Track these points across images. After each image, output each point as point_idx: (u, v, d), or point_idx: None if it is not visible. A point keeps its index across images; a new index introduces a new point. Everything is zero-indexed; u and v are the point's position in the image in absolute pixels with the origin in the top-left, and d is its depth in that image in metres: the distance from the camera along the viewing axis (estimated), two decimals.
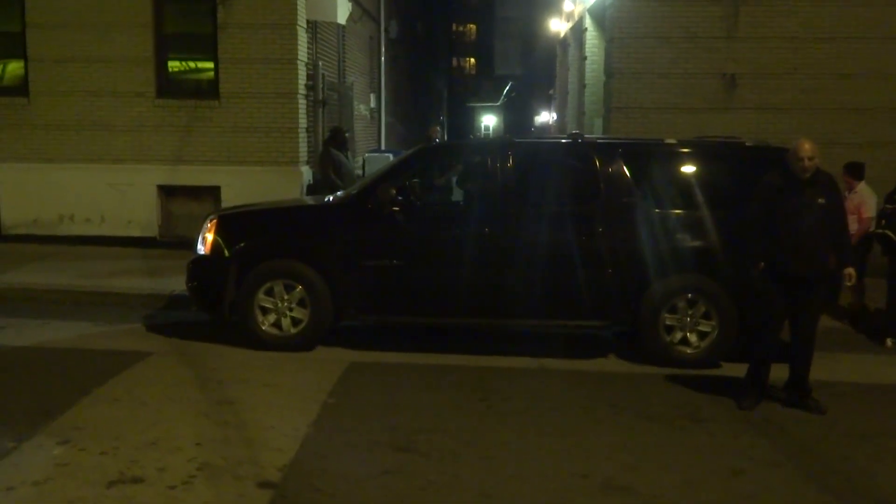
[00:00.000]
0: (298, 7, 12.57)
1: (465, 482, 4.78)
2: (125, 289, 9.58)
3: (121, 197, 12.72)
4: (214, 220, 7.72)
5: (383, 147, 20.11)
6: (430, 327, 8.10)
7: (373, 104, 20.69)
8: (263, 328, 7.47)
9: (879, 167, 11.21)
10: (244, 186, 12.19)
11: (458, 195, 8.44)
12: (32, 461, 4.86)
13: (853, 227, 7.81)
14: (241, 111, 12.62)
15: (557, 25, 23.03)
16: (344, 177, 11.80)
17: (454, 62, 57.53)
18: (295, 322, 7.47)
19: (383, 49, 20.96)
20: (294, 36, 12.51)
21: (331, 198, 8.35)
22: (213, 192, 12.68)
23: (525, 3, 43.94)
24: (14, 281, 9.88)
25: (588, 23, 16.74)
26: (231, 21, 12.47)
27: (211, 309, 7.78)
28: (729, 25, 12.39)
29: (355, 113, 17.48)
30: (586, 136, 8.67)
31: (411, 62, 29.64)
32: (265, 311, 7.47)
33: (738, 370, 7.16)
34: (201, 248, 7.65)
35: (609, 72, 13.20)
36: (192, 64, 13.13)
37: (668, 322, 7.32)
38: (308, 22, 13.30)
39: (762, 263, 6.15)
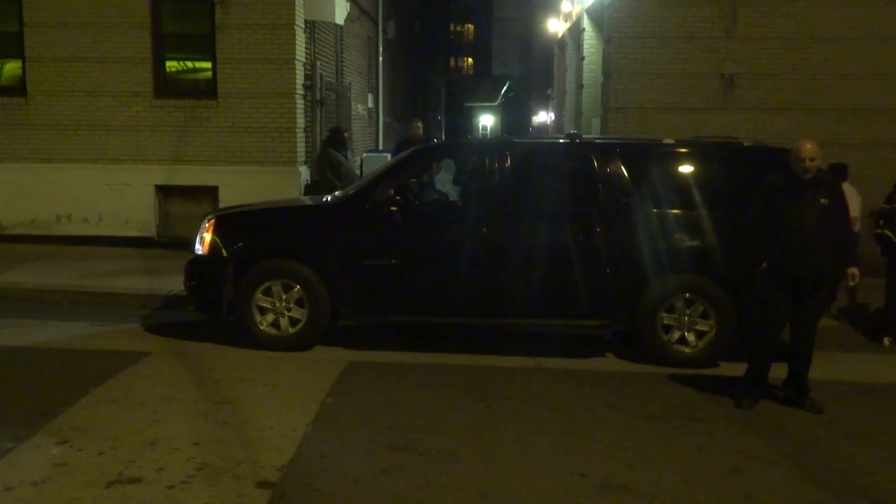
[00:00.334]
0: (296, 7, 12.57)
1: (464, 482, 4.78)
2: (123, 289, 9.57)
3: (118, 197, 12.71)
4: (212, 220, 7.71)
5: (381, 147, 20.12)
6: (428, 327, 8.10)
7: (370, 104, 20.69)
8: (261, 328, 7.47)
9: (878, 167, 11.25)
10: (242, 186, 12.19)
11: (454, 194, 8.44)
12: (30, 461, 4.86)
13: None
14: (239, 111, 12.62)
15: (555, 26, 23.03)
16: (342, 177, 11.81)
17: (452, 62, 57.53)
18: (293, 322, 7.47)
19: (381, 49, 20.97)
20: (292, 36, 12.51)
21: (329, 197, 8.34)
22: (211, 192, 12.68)
23: (523, 4, 43.98)
24: (12, 281, 9.88)
25: (586, 23, 16.75)
26: (229, 21, 12.47)
27: (209, 309, 7.78)
28: (727, 26, 12.41)
29: (353, 113, 17.48)
30: (584, 136, 8.67)
31: (409, 62, 29.65)
32: (263, 310, 7.46)
33: (735, 370, 7.17)
34: (199, 248, 7.65)
35: (607, 72, 13.21)
36: (189, 64, 13.13)
37: (665, 321, 7.33)
38: (306, 22, 13.31)
39: (765, 264, 6.14)
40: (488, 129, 53.91)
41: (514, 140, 8.64)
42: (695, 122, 11.93)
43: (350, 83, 17.49)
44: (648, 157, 7.70)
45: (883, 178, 9.27)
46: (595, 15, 15.93)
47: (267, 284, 7.45)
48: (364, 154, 16.87)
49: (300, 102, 12.94)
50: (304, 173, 13.03)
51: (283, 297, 7.44)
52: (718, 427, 5.82)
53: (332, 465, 4.94)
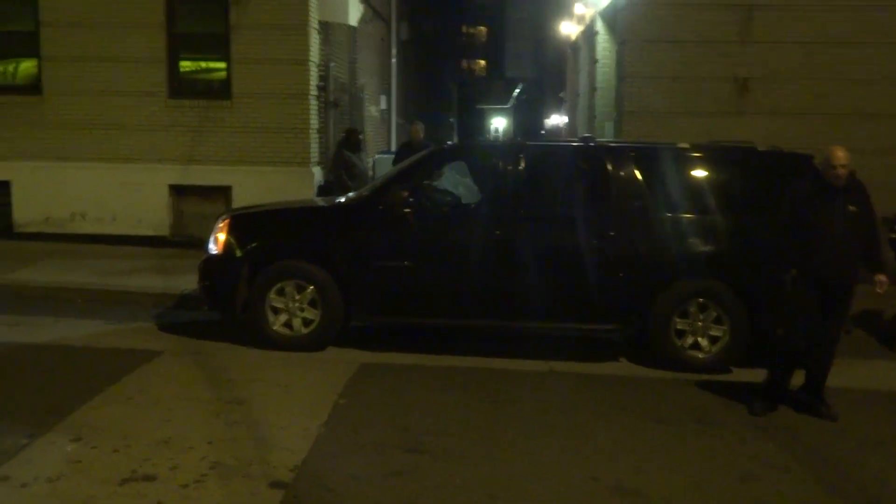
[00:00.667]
0: (310, 8, 12.61)
1: (475, 483, 4.78)
2: (137, 288, 9.62)
3: (132, 196, 12.76)
4: (227, 220, 7.74)
5: (394, 148, 20.13)
6: (440, 329, 8.11)
7: (383, 105, 20.72)
8: (274, 328, 7.49)
9: (892, 173, 11.18)
10: (255, 187, 12.23)
11: (467, 196, 8.42)
12: (45, 458, 4.89)
13: None
14: (253, 112, 12.67)
15: (568, 28, 22.99)
16: (356, 178, 11.83)
17: (464, 64, 57.49)
18: (306, 322, 7.49)
19: (394, 50, 20.99)
20: (306, 37, 12.55)
21: (342, 199, 8.36)
22: (225, 192, 12.72)
23: (536, 6, 43.91)
24: (26, 279, 9.94)
25: (599, 26, 16.73)
26: (243, 22, 12.51)
27: (222, 308, 7.80)
28: (742, 29, 12.37)
29: (366, 114, 17.51)
30: (598, 139, 8.66)
31: (422, 64, 29.68)
32: (276, 311, 7.49)
33: (748, 375, 7.16)
34: (213, 248, 7.67)
35: (620, 75, 13.19)
36: (204, 64, 13.18)
37: (679, 326, 7.31)
38: (320, 23, 13.34)
39: (794, 270, 6.06)
40: (500, 131, 53.89)
41: (528, 143, 8.63)
42: (708, 125, 11.88)
43: (363, 84, 17.52)
44: (662, 160, 7.68)
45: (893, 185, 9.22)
46: (609, 18, 15.91)
47: (280, 285, 7.47)
48: (376, 155, 16.90)
49: (314, 103, 12.98)
50: (318, 174, 13.06)
51: (297, 297, 7.46)
52: (731, 432, 5.81)
53: (344, 466, 4.96)
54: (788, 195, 6.23)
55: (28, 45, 12.92)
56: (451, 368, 7.16)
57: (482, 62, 61.35)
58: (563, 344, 8.05)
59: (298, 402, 6.13)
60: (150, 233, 12.79)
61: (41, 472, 4.66)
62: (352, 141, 12.44)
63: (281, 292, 7.47)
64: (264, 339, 7.48)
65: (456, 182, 9.35)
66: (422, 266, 7.44)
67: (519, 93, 51.89)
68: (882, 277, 6.18)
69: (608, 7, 15.41)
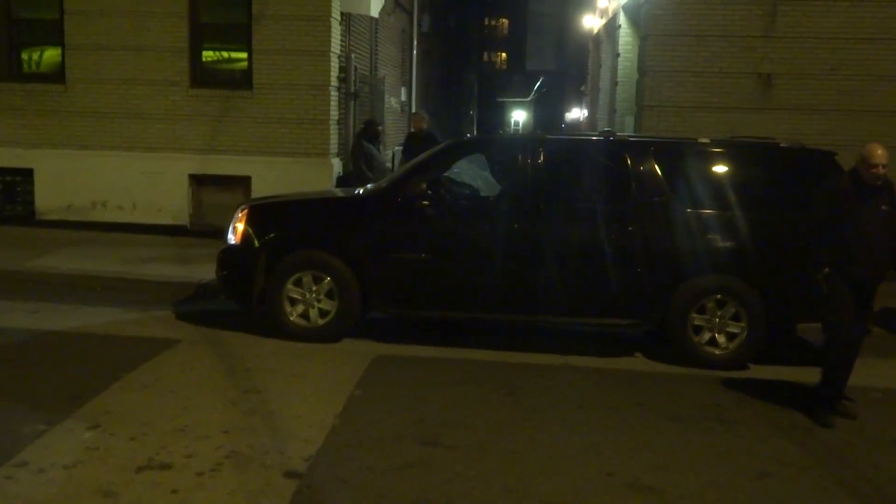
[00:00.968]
0: None
1: (490, 476, 4.78)
2: (156, 276, 9.67)
3: (153, 185, 12.85)
4: (245, 210, 7.77)
5: None
6: (457, 322, 8.11)
7: (404, 97, 20.72)
8: (291, 319, 7.51)
9: None
10: (275, 177, 12.27)
11: (486, 189, 8.41)
12: (63, 444, 4.93)
13: None
14: (274, 102, 12.70)
15: (591, 21, 22.92)
16: (375, 169, 11.84)
17: (485, 56, 57.40)
18: (322, 313, 7.50)
19: (415, 42, 20.99)
20: (328, 28, 12.56)
21: (361, 190, 8.37)
22: (244, 183, 12.77)
23: None
24: (47, 266, 10.02)
25: (622, 20, 16.64)
26: (266, 12, 12.53)
27: (240, 298, 7.83)
28: (766, 24, 12.26)
29: (386, 106, 17.51)
30: (618, 133, 8.62)
31: (443, 56, 29.64)
32: (293, 301, 7.50)
33: (765, 372, 7.14)
34: (232, 238, 7.71)
35: (642, 69, 13.11)
36: (226, 54, 13.22)
37: (696, 322, 7.27)
38: (342, 14, 13.34)
39: (826, 269, 5.94)
40: (521, 124, 53.77)
41: (548, 136, 8.61)
42: (731, 121, 11.81)
43: (384, 76, 17.52)
44: (683, 156, 7.63)
45: None
46: (632, 11, 15.82)
47: (298, 275, 7.49)
48: (396, 147, 16.90)
49: (334, 94, 12.99)
50: (337, 165, 13.08)
51: (314, 288, 7.48)
52: (747, 430, 5.77)
53: (358, 457, 4.97)
54: (823, 193, 6.12)
55: (52, 33, 13.03)
56: (467, 361, 7.16)
57: (503, 55, 61.24)
58: (580, 338, 8.03)
59: (314, 393, 6.15)
60: (170, 222, 12.87)
61: (58, 459, 4.70)
62: (371, 132, 12.44)
63: (298, 283, 7.49)
64: (281, 330, 7.50)
65: (475, 175, 9.34)
66: (439, 259, 7.44)
67: (539, 86, 51.73)
68: None
69: (631, 1, 15.32)
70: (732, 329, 7.26)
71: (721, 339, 7.28)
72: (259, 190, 12.24)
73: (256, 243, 7.58)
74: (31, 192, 13.12)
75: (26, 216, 13.06)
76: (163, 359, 6.77)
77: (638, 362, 7.50)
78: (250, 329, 7.73)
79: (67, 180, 12.93)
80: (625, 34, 16.65)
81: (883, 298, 6.84)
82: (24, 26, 13.31)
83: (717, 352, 7.28)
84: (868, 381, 6.88)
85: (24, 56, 13.39)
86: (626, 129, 14.76)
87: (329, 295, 7.47)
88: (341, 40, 13.49)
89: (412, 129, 13.10)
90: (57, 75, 13.07)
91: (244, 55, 12.92)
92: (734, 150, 7.72)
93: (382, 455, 5.03)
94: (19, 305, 8.36)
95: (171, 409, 5.59)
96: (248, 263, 7.57)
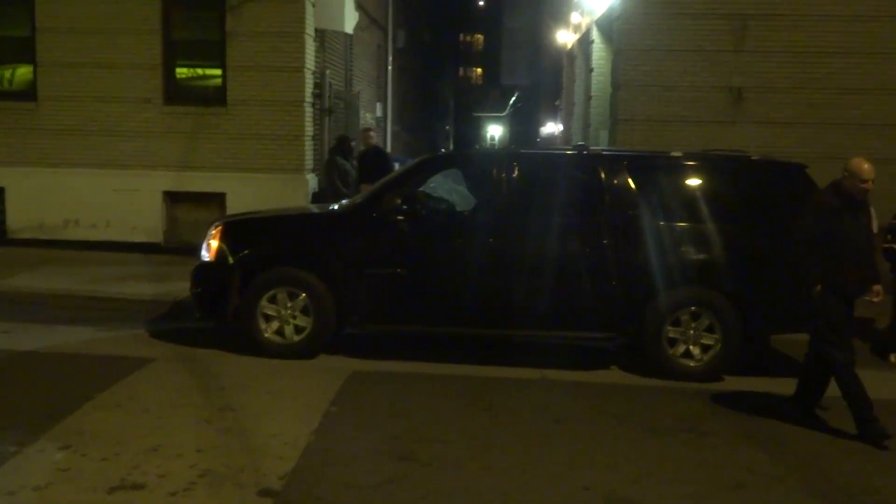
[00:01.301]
0: (306, 16, 12.63)
1: (467, 492, 4.77)
2: (129, 294, 9.60)
3: (126, 202, 12.76)
4: (219, 227, 7.73)
5: None
6: (433, 337, 8.10)
7: (379, 113, 20.75)
8: (266, 335, 7.47)
9: (886, 183, 11.15)
10: (250, 193, 12.23)
11: (461, 204, 8.43)
12: (34, 466, 4.86)
13: None
14: (248, 118, 12.68)
15: (565, 37, 23.09)
16: (349, 185, 11.84)
17: (461, 72, 57.68)
18: (298, 330, 7.47)
19: (390, 58, 21.05)
20: (302, 44, 12.57)
21: (336, 206, 8.36)
22: (219, 199, 12.72)
23: (532, 15, 44.06)
24: (19, 285, 9.92)
25: (595, 35, 16.78)
26: (240, 29, 12.53)
27: (214, 315, 7.78)
28: (736, 39, 12.41)
29: (361, 121, 17.52)
30: (592, 147, 8.67)
31: (418, 72, 29.72)
32: (268, 318, 7.47)
33: (740, 384, 7.18)
34: (206, 255, 7.67)
35: (615, 84, 13.22)
36: (199, 71, 13.19)
37: (671, 335, 7.31)
38: (316, 30, 13.36)
39: (819, 287, 5.89)
40: (496, 139, 53.98)
41: (522, 151, 8.65)
42: (703, 134, 11.92)
43: (359, 92, 17.54)
44: (656, 169, 7.70)
45: (890, 194, 9.22)
46: (604, 26, 15.95)
47: (272, 292, 7.45)
48: None
49: (309, 110, 12.99)
50: (312, 181, 13.07)
51: (289, 304, 7.45)
52: (723, 441, 5.80)
53: (335, 474, 4.94)
54: (810, 210, 6.10)
55: (23, 51, 12.95)
56: (444, 376, 7.15)
57: (479, 70, 61.57)
58: (557, 352, 8.04)
59: (289, 410, 6.11)
60: (144, 239, 12.79)
61: (29, 481, 4.64)
62: (344, 148, 12.45)
63: (273, 300, 7.46)
64: (256, 347, 7.46)
65: (450, 189, 9.35)
66: (415, 274, 7.44)
67: (515, 101, 52.01)
68: (878, 287, 6.18)
69: (604, 16, 15.45)
70: (707, 341, 7.30)
71: (696, 351, 7.32)
72: (234, 206, 12.19)
73: (231, 260, 7.54)
74: (3, 211, 13.00)
75: None
76: (136, 377, 6.71)
77: (614, 375, 7.53)
78: (225, 346, 7.68)
79: (39, 199, 12.81)
80: (598, 49, 16.78)
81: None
82: None
83: (691, 364, 7.32)
84: (838, 391, 6.93)
85: None
86: (601, 143, 14.85)
87: (304, 311, 7.44)
88: (316, 56, 13.51)
89: (362, 147, 12.98)
90: (28, 93, 12.98)
91: (218, 72, 12.89)
92: (706, 164, 7.79)
93: (359, 472, 5.00)
94: None
95: (145, 429, 5.53)
96: (222, 280, 7.53)
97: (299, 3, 12.50)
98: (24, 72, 13.12)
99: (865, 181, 5.89)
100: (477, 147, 43.04)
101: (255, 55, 12.55)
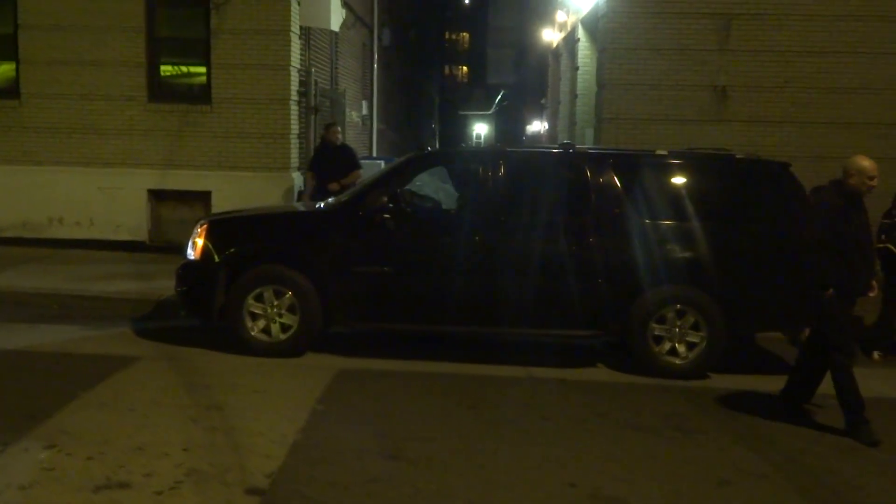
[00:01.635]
0: (292, 13, 12.58)
1: (454, 490, 4.78)
2: (114, 293, 9.55)
3: (111, 200, 12.67)
4: (205, 225, 7.70)
5: (375, 154, 20.12)
6: (419, 335, 8.10)
7: (365, 111, 20.71)
8: (252, 334, 7.45)
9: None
10: (235, 192, 12.18)
11: (448, 202, 8.43)
12: (18, 465, 4.83)
13: None
14: (234, 116, 12.61)
15: (550, 35, 23.12)
16: None
17: (447, 70, 57.65)
18: (284, 328, 7.46)
19: (376, 56, 21.01)
20: (287, 42, 12.52)
21: (322, 204, 8.34)
22: (204, 197, 12.65)
23: (518, 13, 44.12)
24: (2, 284, 9.84)
25: (580, 33, 16.81)
26: (224, 26, 12.46)
27: (200, 314, 7.76)
28: (721, 38, 12.47)
29: (347, 119, 17.48)
30: (577, 146, 8.69)
31: (404, 70, 29.69)
32: (254, 316, 7.45)
33: (725, 381, 7.22)
34: (191, 253, 7.64)
35: (601, 82, 13.25)
36: (184, 69, 13.12)
37: (656, 332, 7.34)
38: (301, 28, 13.31)
39: (831, 289, 5.85)
40: (482, 137, 54.01)
41: (508, 149, 8.67)
42: (687, 133, 11.96)
43: (344, 90, 17.50)
44: (641, 167, 7.73)
45: (876, 193, 9.26)
46: (590, 25, 15.99)
47: (259, 290, 7.44)
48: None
49: (294, 108, 12.94)
50: (298, 179, 13.02)
51: (275, 303, 7.43)
52: (708, 439, 5.83)
53: (321, 473, 4.93)
54: (821, 212, 6.05)
55: (6, 48, 12.81)
56: (431, 374, 7.15)
57: (464, 68, 61.56)
58: (543, 349, 8.06)
59: (276, 408, 6.09)
60: (129, 238, 12.71)
61: (13, 480, 4.61)
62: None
63: (259, 298, 7.44)
64: (242, 345, 7.44)
65: (436, 188, 9.36)
66: (401, 272, 7.44)
67: (501, 99, 52.05)
68: (874, 283, 6.22)
69: (589, 15, 15.49)
70: (692, 339, 7.34)
71: (681, 348, 7.35)
72: (219, 205, 12.14)
73: (216, 258, 7.52)
74: None
75: None
76: (121, 376, 6.68)
77: (600, 373, 7.55)
78: (211, 345, 7.65)
79: (23, 197, 12.71)
80: (583, 48, 16.82)
81: None
82: None
83: (677, 361, 7.35)
84: (824, 388, 6.98)
85: None
86: (586, 142, 14.89)
87: (291, 310, 7.43)
88: (301, 54, 13.46)
89: (326, 141, 12.10)
90: (11, 90, 12.85)
91: (203, 69, 12.82)
92: (691, 162, 7.83)
93: (345, 470, 4.99)
94: None
95: (130, 428, 5.51)
96: (208, 279, 7.51)
97: (285, 1, 12.44)
98: (6, 69, 13.01)
99: (873, 177, 5.88)
100: (463, 145, 43.05)
101: (240, 53, 12.48)
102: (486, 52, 57.42)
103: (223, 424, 5.67)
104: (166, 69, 12.99)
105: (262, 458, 5.09)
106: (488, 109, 53.78)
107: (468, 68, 61.20)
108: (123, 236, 12.71)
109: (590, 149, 9.43)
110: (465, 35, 60.51)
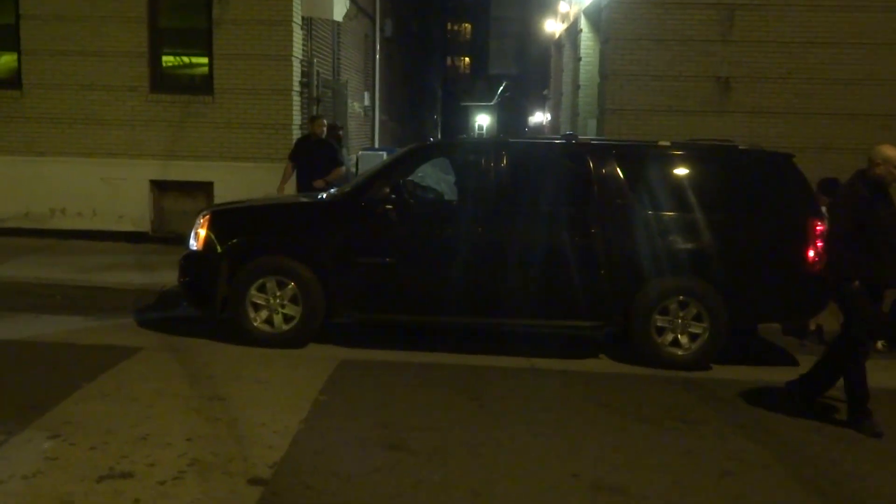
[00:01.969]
0: (294, 3, 12.56)
1: (456, 480, 4.79)
2: (117, 283, 9.56)
3: (113, 191, 12.69)
4: (207, 216, 7.70)
5: (377, 145, 20.11)
6: (422, 326, 8.11)
7: (367, 102, 20.68)
8: (255, 325, 7.46)
9: None
10: (237, 182, 12.18)
11: (450, 193, 8.42)
12: (22, 455, 4.85)
13: None
14: (236, 107, 12.61)
15: (552, 26, 23.06)
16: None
17: (449, 61, 57.51)
18: (287, 319, 7.46)
19: (378, 47, 20.97)
20: (289, 32, 12.50)
21: (324, 195, 8.34)
22: (206, 188, 12.66)
23: (520, 4, 43.98)
24: (5, 274, 9.86)
25: (583, 24, 16.77)
26: (226, 17, 12.45)
27: (203, 305, 7.76)
28: (724, 29, 12.44)
29: (349, 110, 17.47)
30: (580, 137, 8.68)
31: (406, 60, 29.63)
32: (257, 307, 7.46)
33: (728, 372, 7.22)
34: (194, 244, 7.64)
35: (603, 73, 13.22)
36: (186, 59, 13.11)
37: (659, 323, 7.34)
38: (303, 18, 13.29)
39: (857, 282, 5.79)
40: (484, 128, 53.92)
41: (510, 140, 8.65)
42: (690, 124, 11.96)
43: (346, 81, 17.48)
44: (644, 158, 7.71)
45: None
46: (592, 16, 15.94)
47: (261, 281, 7.44)
48: (360, 152, 16.86)
49: (296, 99, 12.93)
50: None
51: (278, 293, 7.44)
52: (710, 430, 5.84)
53: (324, 463, 4.94)
54: (845, 204, 5.98)
55: (8, 38, 12.81)
56: (433, 365, 7.16)
57: (466, 59, 61.41)
58: (545, 340, 8.07)
59: (279, 399, 6.10)
60: (131, 228, 12.73)
61: (17, 470, 4.62)
62: (332, 137, 12.35)
63: (262, 289, 7.44)
64: (245, 336, 7.45)
65: (438, 179, 9.35)
66: (403, 263, 7.44)
67: (503, 90, 51.94)
68: None
69: (592, 5, 15.45)
70: (695, 330, 7.33)
71: (684, 339, 7.35)
72: (221, 195, 12.14)
73: (219, 249, 7.52)
74: None
75: None
76: (124, 367, 6.69)
77: (602, 364, 7.56)
78: (213, 336, 7.67)
79: (25, 187, 12.72)
80: (586, 38, 16.78)
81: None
82: None
83: (679, 352, 7.36)
84: None
85: None
86: (589, 133, 14.87)
87: (293, 300, 7.43)
88: (303, 45, 13.44)
89: (310, 132, 11.53)
90: (13, 81, 12.86)
91: (205, 60, 12.81)
92: (694, 153, 7.81)
93: (348, 460, 5.01)
94: None
95: (133, 418, 5.52)
96: (210, 269, 7.51)
97: None
98: (8, 59, 13.01)
99: None
100: (465, 136, 43.01)
101: (242, 43, 12.47)
102: (488, 42, 57.28)
103: (226, 415, 5.69)
104: (168, 59, 12.98)
105: (265, 448, 5.10)
106: (490, 100, 53.66)
107: (470, 59, 61.05)
108: (126, 227, 12.72)
109: (592, 140, 9.42)
110: (468, 26, 60.35)
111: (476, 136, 47.14)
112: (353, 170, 14.77)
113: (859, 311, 5.88)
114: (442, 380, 6.75)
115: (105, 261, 10.82)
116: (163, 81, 12.86)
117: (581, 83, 16.84)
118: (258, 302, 7.45)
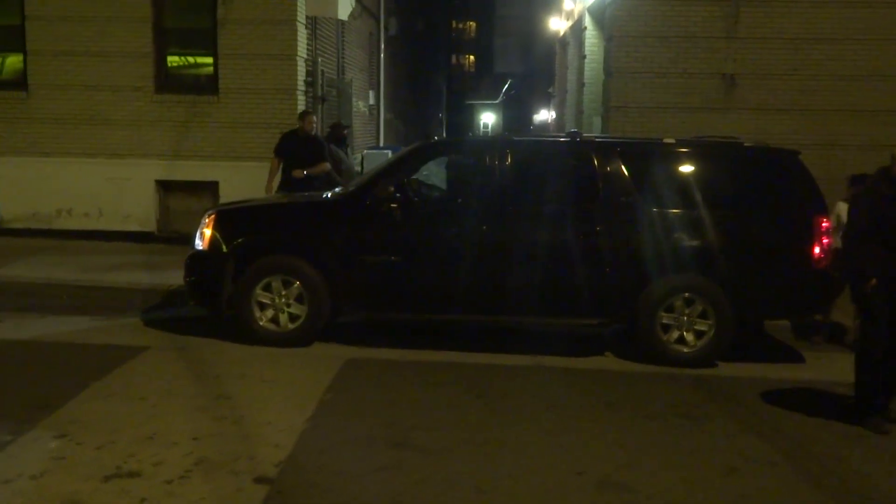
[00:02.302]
0: (298, 3, 12.59)
1: (462, 478, 4.79)
2: (123, 283, 9.59)
3: (119, 191, 12.73)
4: (213, 216, 7.71)
5: (382, 143, 20.12)
6: (427, 324, 8.11)
7: (371, 101, 20.69)
8: (261, 324, 7.47)
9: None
10: (243, 182, 12.19)
11: (455, 191, 8.44)
12: (29, 455, 4.87)
13: None
14: (241, 107, 12.64)
15: (557, 24, 23.03)
16: (342, 173, 11.79)
17: (454, 59, 57.47)
18: (292, 318, 7.47)
19: (382, 46, 20.96)
20: (294, 32, 12.52)
21: (329, 194, 8.35)
22: (212, 188, 12.69)
23: (525, 2, 43.89)
24: (12, 274, 9.89)
25: (588, 21, 16.75)
26: (231, 16, 12.47)
27: (208, 304, 7.78)
28: (728, 25, 12.42)
29: (354, 109, 17.47)
30: (585, 134, 8.68)
31: (411, 59, 29.62)
32: (263, 306, 7.47)
33: (733, 370, 7.20)
34: (199, 244, 7.65)
35: (608, 71, 13.21)
36: (191, 59, 13.15)
37: (665, 321, 7.33)
38: (308, 18, 13.30)
39: (874, 280, 5.75)
40: (489, 126, 53.88)
41: (515, 138, 8.65)
42: (695, 121, 11.94)
43: (351, 80, 17.49)
44: (649, 156, 7.70)
45: None
46: (597, 13, 15.93)
47: (267, 280, 7.45)
48: (365, 151, 16.87)
49: (301, 98, 12.95)
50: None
51: (283, 292, 7.44)
52: (716, 427, 5.83)
53: (329, 462, 4.95)
54: (865, 202, 5.95)
55: (13, 39, 12.86)
56: (438, 363, 7.16)
57: (471, 58, 61.33)
58: (550, 338, 8.06)
59: (284, 398, 6.11)
60: (137, 228, 12.77)
61: (25, 469, 4.64)
62: (337, 136, 12.39)
63: (267, 288, 7.45)
64: (250, 335, 7.46)
65: (443, 177, 9.37)
66: (408, 261, 7.44)
67: (508, 88, 51.88)
68: None
69: (596, 3, 15.43)
70: (700, 327, 7.32)
71: (689, 337, 7.34)
72: (227, 195, 12.17)
73: (224, 248, 7.53)
74: None
75: None
76: (131, 366, 6.71)
77: (608, 361, 7.55)
78: (219, 335, 7.68)
79: (31, 188, 12.77)
80: (590, 36, 16.76)
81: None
82: None
83: (685, 350, 7.34)
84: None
85: None
86: (594, 130, 14.85)
87: (299, 299, 7.44)
88: (308, 44, 13.46)
89: (300, 128, 10.94)
90: (19, 82, 12.91)
91: (209, 60, 12.84)
92: (699, 150, 7.79)
93: (354, 459, 5.01)
94: None
95: (140, 417, 5.54)
96: (216, 269, 7.52)
97: None
98: (14, 60, 13.05)
99: None
100: (470, 134, 42.98)
101: (246, 43, 12.50)
102: (493, 41, 57.18)
103: (232, 414, 5.70)
104: (173, 60, 13.02)
105: (271, 447, 5.11)
106: (495, 99, 53.60)
107: (475, 57, 60.98)
108: (132, 227, 12.76)
109: (597, 137, 9.41)
110: (472, 24, 60.27)
111: (481, 134, 47.16)
112: (358, 168, 14.77)
113: (870, 309, 5.84)
114: (447, 378, 6.75)
115: (111, 261, 10.85)
116: (168, 81, 12.90)
117: (586, 81, 16.82)
118: (264, 301, 7.46)
